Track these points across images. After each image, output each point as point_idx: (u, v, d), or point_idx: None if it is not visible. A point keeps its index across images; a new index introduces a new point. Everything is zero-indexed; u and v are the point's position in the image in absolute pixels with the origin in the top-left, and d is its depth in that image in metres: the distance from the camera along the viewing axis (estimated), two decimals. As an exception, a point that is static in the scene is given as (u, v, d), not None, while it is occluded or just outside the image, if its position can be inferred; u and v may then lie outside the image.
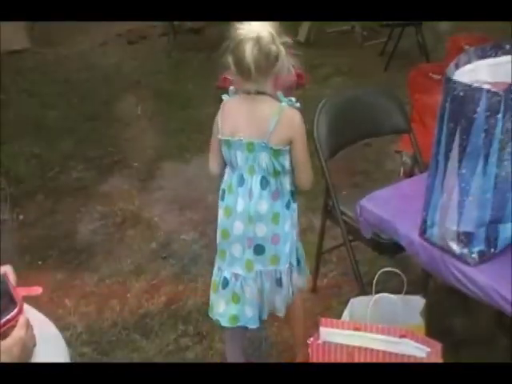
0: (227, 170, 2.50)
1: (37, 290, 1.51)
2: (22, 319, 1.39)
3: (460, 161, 1.97)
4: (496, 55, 2.09)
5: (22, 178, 4.51)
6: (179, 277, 3.46)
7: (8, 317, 1.38)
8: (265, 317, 2.61)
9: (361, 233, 2.55)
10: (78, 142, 5.03)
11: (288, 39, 2.33)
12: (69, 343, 2.83)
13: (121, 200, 4.22)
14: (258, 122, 2.36)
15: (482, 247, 2.07)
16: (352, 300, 2.45)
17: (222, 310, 2.57)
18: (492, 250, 2.09)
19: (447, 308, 2.91)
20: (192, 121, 5.26)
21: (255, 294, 2.52)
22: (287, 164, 2.40)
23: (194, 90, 5.85)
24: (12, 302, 1.41)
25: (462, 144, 1.95)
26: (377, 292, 2.36)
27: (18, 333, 1.37)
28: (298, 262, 2.60)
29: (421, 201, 2.16)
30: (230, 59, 2.33)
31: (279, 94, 2.38)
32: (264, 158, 2.37)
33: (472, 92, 1.89)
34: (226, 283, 2.54)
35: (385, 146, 4.26)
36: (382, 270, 2.38)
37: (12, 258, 3.42)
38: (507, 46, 2.08)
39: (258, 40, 2.25)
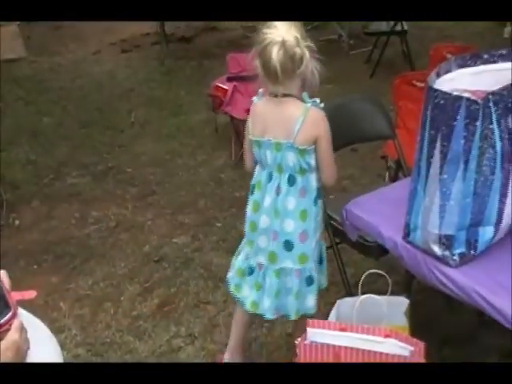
0: (257, 168, 2.58)
1: (31, 294, 1.51)
2: (16, 323, 1.39)
3: (441, 166, 2.01)
4: (475, 64, 2.13)
5: (17, 184, 4.55)
6: (171, 280, 3.50)
7: (2, 321, 1.38)
8: (293, 317, 2.65)
9: (347, 236, 2.60)
10: (72, 149, 5.08)
11: (311, 43, 2.38)
12: (63, 345, 2.92)
13: (114, 205, 4.26)
14: (285, 123, 2.42)
15: (462, 249, 2.10)
16: (339, 301, 2.46)
17: (246, 293, 2.66)
18: (472, 252, 2.12)
19: (430, 308, 2.94)
20: (184, 127, 5.33)
21: (275, 286, 2.58)
22: (313, 162, 2.47)
23: (185, 97, 5.91)
24: (6, 306, 1.41)
25: (443, 150, 1.99)
26: (363, 293, 2.36)
27: (12, 336, 1.37)
28: (321, 260, 2.67)
29: (404, 205, 2.20)
30: (257, 63, 2.39)
31: (304, 95, 2.44)
32: (291, 157, 2.44)
33: (452, 100, 1.93)
34: (251, 271, 2.64)
35: (371, 151, 4.29)
36: (367, 272, 2.40)
37: (8, 262, 3.47)
38: (485, 56, 2.13)
39: (283, 43, 2.31)
